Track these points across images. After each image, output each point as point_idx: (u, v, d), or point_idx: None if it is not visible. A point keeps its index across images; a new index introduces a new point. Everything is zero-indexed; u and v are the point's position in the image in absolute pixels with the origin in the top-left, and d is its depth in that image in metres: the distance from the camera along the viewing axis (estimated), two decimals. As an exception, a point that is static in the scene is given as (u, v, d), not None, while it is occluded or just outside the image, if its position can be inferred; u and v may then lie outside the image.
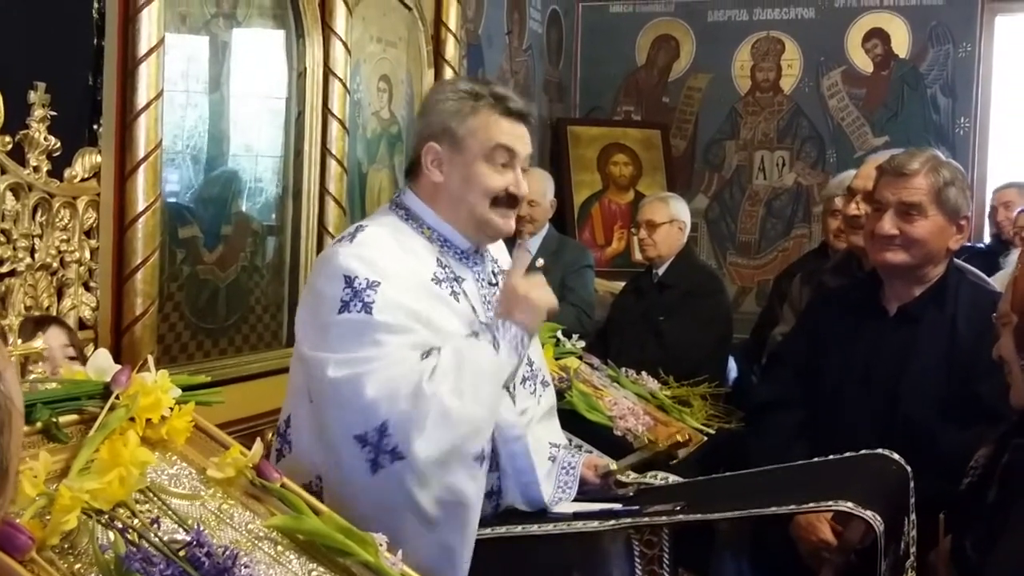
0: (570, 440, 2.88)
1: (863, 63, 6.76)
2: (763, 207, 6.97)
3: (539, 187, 4.94)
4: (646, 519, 2.22)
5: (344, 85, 3.47)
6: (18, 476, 0.93)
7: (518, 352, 2.21)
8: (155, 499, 1.60)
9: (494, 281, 2.41)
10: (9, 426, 0.70)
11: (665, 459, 3.11)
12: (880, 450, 2.51)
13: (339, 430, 2.11)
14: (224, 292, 3.17)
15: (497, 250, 2.53)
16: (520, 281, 2.26)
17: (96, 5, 2.69)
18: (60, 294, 2.61)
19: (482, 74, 5.67)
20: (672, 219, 4.61)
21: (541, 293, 2.26)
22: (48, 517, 1.41)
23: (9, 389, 0.71)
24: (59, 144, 2.58)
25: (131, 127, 2.70)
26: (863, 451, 2.53)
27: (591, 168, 6.85)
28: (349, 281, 2.15)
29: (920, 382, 2.75)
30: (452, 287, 2.28)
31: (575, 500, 2.40)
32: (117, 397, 1.71)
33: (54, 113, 2.56)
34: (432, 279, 2.26)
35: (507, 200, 2.30)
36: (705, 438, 3.52)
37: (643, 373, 3.80)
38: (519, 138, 2.31)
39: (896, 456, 2.48)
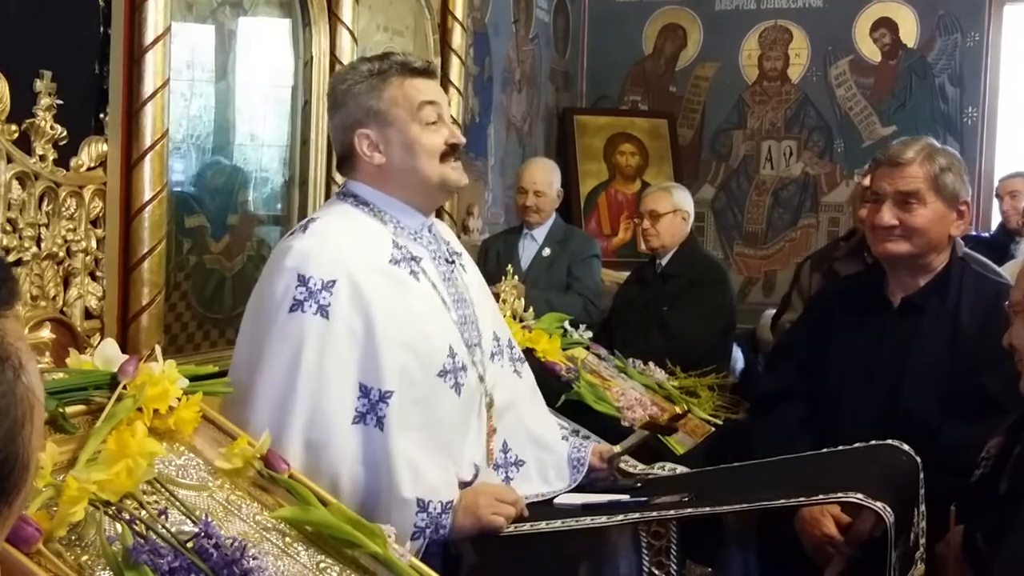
0: (577, 431, 2.88)
1: (871, 52, 6.74)
2: (770, 197, 6.95)
3: (545, 177, 4.92)
4: (654, 514, 2.21)
5: (351, 74, 3.45)
6: (38, 470, 0.93)
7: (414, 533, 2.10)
8: (163, 490, 1.59)
9: (450, 259, 2.39)
10: (31, 419, 0.70)
11: (667, 431, 3.09)
12: (889, 440, 2.50)
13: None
14: (230, 282, 3.16)
15: (448, 234, 2.50)
16: (490, 497, 2.20)
17: (102, -7, 2.68)
18: (66, 283, 2.60)
19: (488, 63, 5.66)
20: (675, 209, 4.59)
21: (492, 514, 2.17)
22: (55, 508, 1.41)
23: (31, 381, 0.71)
24: (65, 133, 2.57)
25: (137, 116, 2.69)
26: (873, 442, 2.52)
27: (598, 158, 6.83)
28: (303, 280, 2.11)
29: (923, 375, 2.74)
30: (411, 267, 2.25)
31: (583, 491, 2.39)
32: (124, 387, 1.70)
33: (60, 102, 2.55)
34: (390, 261, 2.22)
35: (452, 151, 2.30)
36: (712, 428, 3.52)
37: (650, 363, 3.80)
38: (436, 92, 2.33)
39: (906, 447, 2.46)
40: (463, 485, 2.21)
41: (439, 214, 3.37)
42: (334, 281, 2.11)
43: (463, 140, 2.35)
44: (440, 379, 2.20)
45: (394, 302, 2.17)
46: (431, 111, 2.27)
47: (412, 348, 2.16)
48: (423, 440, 2.15)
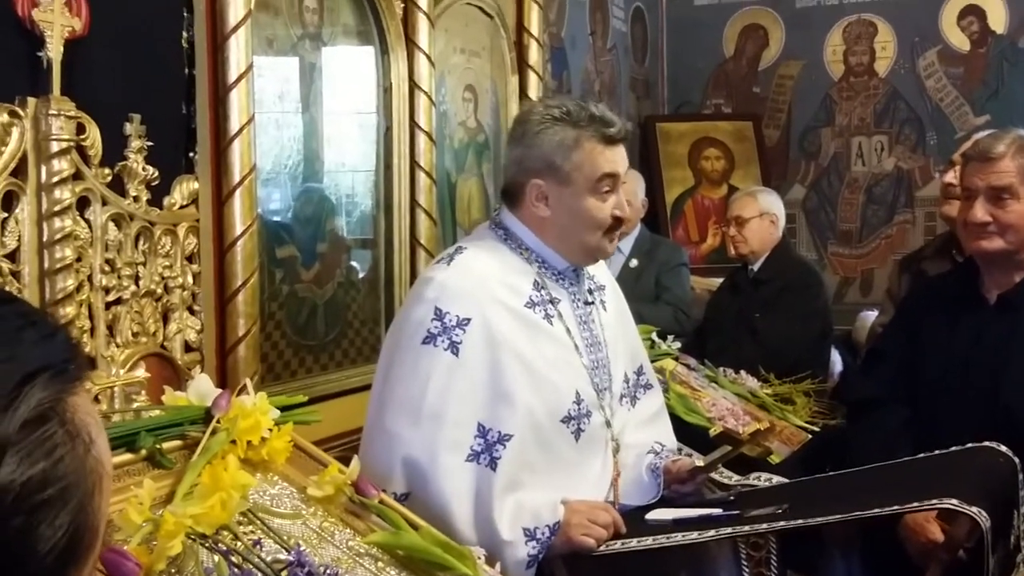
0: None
1: (959, 41, 6.57)
2: (863, 194, 6.81)
3: (629, 187, 4.86)
4: (746, 528, 2.19)
5: (429, 98, 3.50)
6: (108, 536, 0.99)
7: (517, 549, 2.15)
8: (256, 520, 1.63)
9: (590, 300, 2.42)
10: (100, 489, 0.76)
11: (762, 453, 3.06)
12: (987, 443, 2.44)
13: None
14: (322, 309, 3.22)
15: (595, 267, 2.52)
16: (582, 516, 2.21)
17: (185, 35, 2.76)
18: (165, 319, 2.69)
19: (567, 77, 5.67)
20: (762, 213, 4.51)
21: (582, 535, 2.18)
22: (154, 543, 1.46)
23: (100, 454, 0.77)
24: (157, 173, 2.66)
25: (225, 152, 2.76)
26: (969, 444, 2.46)
27: (682, 164, 6.78)
28: (439, 314, 2.18)
29: (1023, 373, 2.67)
30: (546, 310, 2.30)
31: (674, 506, 2.38)
32: (218, 421, 1.75)
33: (150, 143, 2.64)
34: (526, 304, 2.28)
35: (615, 226, 2.32)
36: (809, 436, 3.46)
37: (742, 372, 3.76)
38: (620, 161, 2.33)
39: (1004, 448, 2.41)
40: None
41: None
42: (469, 319, 2.18)
43: (628, 214, 2.39)
44: (563, 424, 2.25)
45: (525, 346, 2.23)
46: (608, 182, 2.29)
47: (538, 393, 2.22)
48: (532, 481, 2.20)
